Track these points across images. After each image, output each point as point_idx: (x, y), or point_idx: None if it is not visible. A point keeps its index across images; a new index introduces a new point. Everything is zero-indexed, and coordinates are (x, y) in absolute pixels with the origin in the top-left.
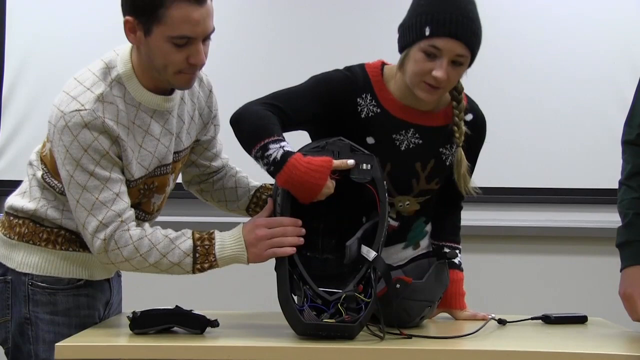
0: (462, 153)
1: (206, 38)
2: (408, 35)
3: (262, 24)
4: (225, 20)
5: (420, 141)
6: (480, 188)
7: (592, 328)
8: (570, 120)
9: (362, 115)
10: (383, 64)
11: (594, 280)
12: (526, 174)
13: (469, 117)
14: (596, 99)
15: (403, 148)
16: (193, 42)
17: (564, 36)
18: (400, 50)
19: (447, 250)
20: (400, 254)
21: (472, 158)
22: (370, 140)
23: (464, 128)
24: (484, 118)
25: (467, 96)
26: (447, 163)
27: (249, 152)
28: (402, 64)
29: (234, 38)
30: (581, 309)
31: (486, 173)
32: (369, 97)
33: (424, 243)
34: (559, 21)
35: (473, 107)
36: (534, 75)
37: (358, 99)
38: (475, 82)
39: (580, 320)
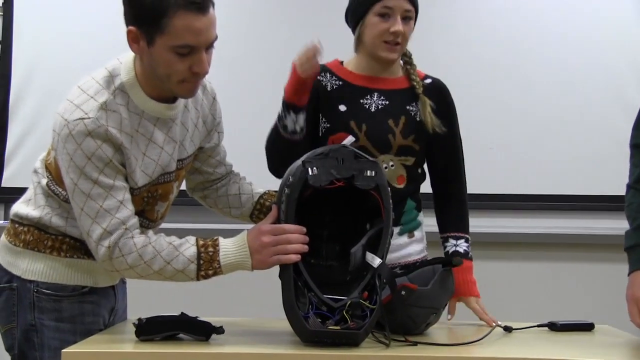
0: (425, 97)
1: (209, 46)
2: (359, 7)
3: (265, 29)
4: (227, 27)
5: (387, 102)
6: (487, 195)
7: (598, 336)
8: (576, 126)
9: (328, 89)
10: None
11: (600, 287)
12: (531, 181)
13: (428, 81)
14: (602, 104)
15: (373, 109)
16: (196, 51)
17: (569, 41)
18: (354, 27)
19: (452, 241)
20: (396, 240)
21: (450, 127)
22: (342, 107)
23: (420, 81)
24: (442, 82)
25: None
26: (418, 119)
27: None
28: (359, 39)
29: (237, 44)
30: (588, 317)
31: (492, 180)
32: (328, 75)
33: (419, 234)
34: (563, 26)
35: (429, 76)
36: (539, 82)
37: (320, 77)
38: (481, 90)
39: (587, 327)
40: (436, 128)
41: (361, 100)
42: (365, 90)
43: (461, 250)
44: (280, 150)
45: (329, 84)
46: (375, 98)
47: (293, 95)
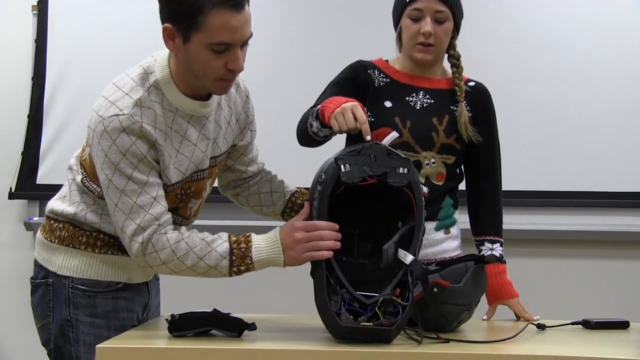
0: (463, 106)
1: (244, 44)
2: (396, 11)
3: (296, 29)
4: (260, 24)
5: (432, 101)
6: (519, 192)
7: (634, 334)
8: (610, 122)
9: (376, 85)
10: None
11: (636, 285)
12: (564, 178)
13: (471, 83)
14: (636, 100)
15: (418, 107)
16: (232, 48)
17: (602, 38)
18: (395, 29)
19: (487, 244)
20: (432, 235)
21: (489, 132)
22: (387, 103)
23: (463, 87)
24: (484, 86)
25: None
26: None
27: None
28: (399, 41)
29: (270, 42)
30: (622, 314)
31: (524, 177)
32: (376, 72)
33: (455, 231)
34: (597, 22)
35: (472, 79)
36: (571, 79)
37: (369, 71)
38: (513, 88)
39: (622, 325)
40: (472, 138)
41: (407, 98)
42: (411, 88)
43: (497, 254)
44: (307, 140)
45: (376, 80)
46: (420, 96)
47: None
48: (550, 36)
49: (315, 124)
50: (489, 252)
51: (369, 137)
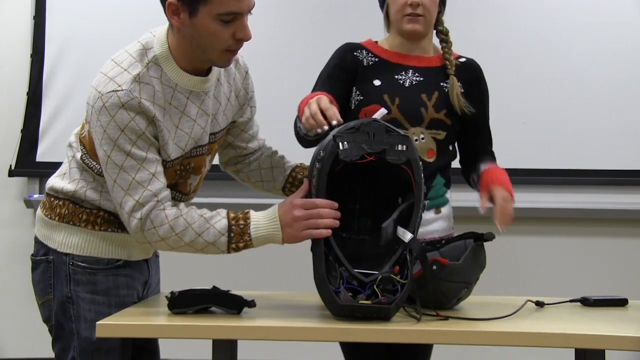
0: (454, 79)
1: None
2: None
3: (294, 6)
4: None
5: (421, 78)
6: (519, 170)
7: (632, 311)
8: (610, 100)
9: (365, 64)
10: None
11: (635, 262)
12: (564, 156)
13: (462, 59)
14: (637, 78)
15: (407, 85)
16: (239, 17)
17: (605, 14)
18: (382, 7)
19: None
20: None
21: (481, 106)
22: (376, 82)
23: (454, 61)
24: (476, 62)
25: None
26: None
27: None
28: (387, 18)
29: (269, 20)
30: (621, 292)
31: (524, 155)
32: (364, 52)
33: (446, 211)
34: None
35: (464, 56)
36: (574, 55)
37: (355, 53)
38: (514, 65)
39: (620, 303)
40: (464, 109)
41: (396, 76)
42: (400, 67)
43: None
44: (304, 142)
45: (365, 59)
46: (410, 74)
47: None
48: (551, 13)
49: (303, 127)
50: (486, 166)
51: (334, 122)
